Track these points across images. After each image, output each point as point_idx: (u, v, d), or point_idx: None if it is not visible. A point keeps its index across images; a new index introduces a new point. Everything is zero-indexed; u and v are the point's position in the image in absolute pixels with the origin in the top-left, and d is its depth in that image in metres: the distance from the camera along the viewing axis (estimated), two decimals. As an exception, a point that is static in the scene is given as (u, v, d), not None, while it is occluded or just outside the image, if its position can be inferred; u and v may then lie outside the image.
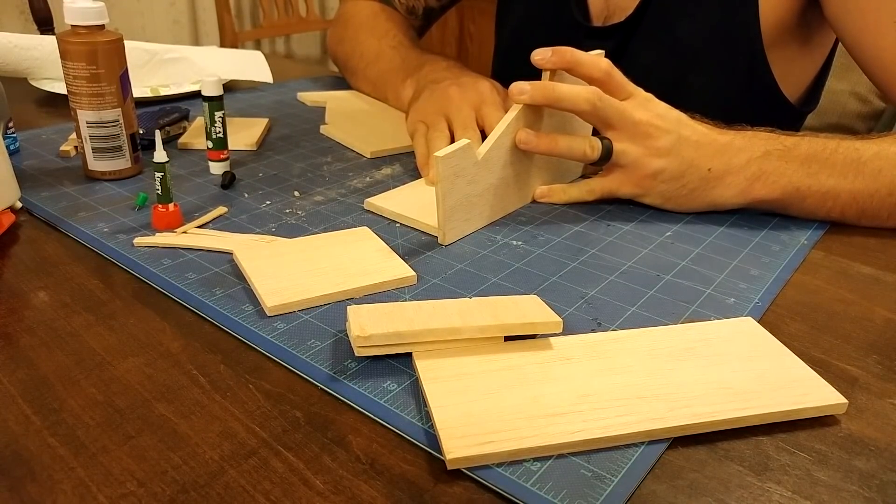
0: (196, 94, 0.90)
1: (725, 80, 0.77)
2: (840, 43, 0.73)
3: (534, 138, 0.58)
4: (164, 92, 0.91)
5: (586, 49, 0.58)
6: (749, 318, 0.46)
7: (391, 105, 0.88)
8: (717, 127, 0.61)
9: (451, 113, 0.68)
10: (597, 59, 0.58)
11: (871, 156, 0.58)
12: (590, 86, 0.58)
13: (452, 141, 0.66)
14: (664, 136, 0.58)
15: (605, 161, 0.60)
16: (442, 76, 0.75)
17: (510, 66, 0.96)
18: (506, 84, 0.72)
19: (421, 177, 0.67)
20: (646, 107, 0.59)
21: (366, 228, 0.56)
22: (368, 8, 0.98)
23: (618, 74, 0.59)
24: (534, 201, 0.64)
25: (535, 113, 0.60)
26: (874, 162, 0.58)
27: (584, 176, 0.70)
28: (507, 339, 0.42)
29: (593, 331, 0.45)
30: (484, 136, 0.65)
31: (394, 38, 0.91)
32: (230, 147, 0.68)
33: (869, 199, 0.59)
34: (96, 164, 0.65)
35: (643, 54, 0.79)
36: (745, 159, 0.58)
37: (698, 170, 0.59)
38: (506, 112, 0.59)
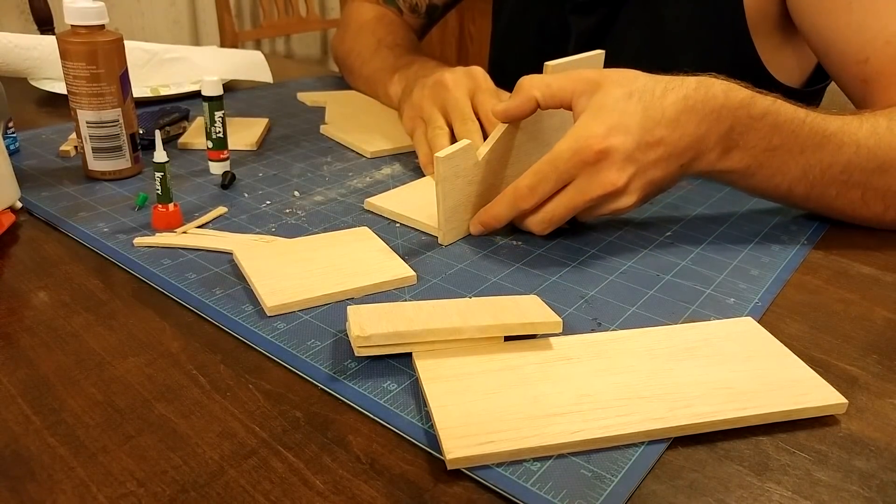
0: (196, 94, 0.90)
1: (712, 63, 0.77)
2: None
3: None
4: (164, 92, 0.91)
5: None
6: (749, 318, 0.46)
7: (382, 102, 0.89)
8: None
9: (447, 103, 0.67)
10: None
11: (835, 129, 0.55)
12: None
13: (452, 135, 0.66)
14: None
15: None
16: (431, 72, 0.74)
17: (506, 51, 0.97)
18: (503, 72, 0.72)
19: (421, 176, 0.67)
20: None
21: (366, 228, 0.56)
22: (371, 10, 0.99)
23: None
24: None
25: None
26: (838, 136, 0.55)
27: None
28: (507, 339, 0.42)
29: (593, 331, 0.45)
30: (481, 125, 0.65)
31: (392, 40, 0.92)
32: (230, 147, 0.68)
33: (820, 175, 0.55)
34: (96, 164, 0.65)
35: (630, 34, 0.79)
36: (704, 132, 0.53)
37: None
38: (500, 98, 0.58)
